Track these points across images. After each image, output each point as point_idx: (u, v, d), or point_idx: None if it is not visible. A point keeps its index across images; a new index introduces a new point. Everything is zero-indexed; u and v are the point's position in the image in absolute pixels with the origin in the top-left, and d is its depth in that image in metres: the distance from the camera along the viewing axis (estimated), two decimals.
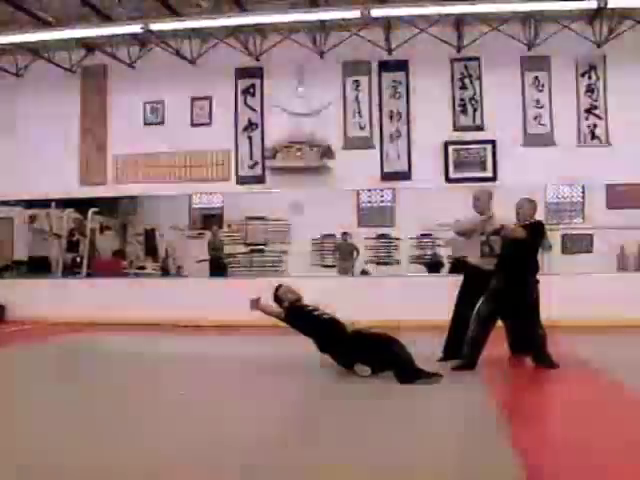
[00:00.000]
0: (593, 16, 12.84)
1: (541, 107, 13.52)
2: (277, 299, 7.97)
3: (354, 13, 12.23)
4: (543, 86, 13.52)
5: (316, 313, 7.74)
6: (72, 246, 16.83)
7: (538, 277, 7.67)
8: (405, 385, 6.60)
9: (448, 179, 13.73)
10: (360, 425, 5.28)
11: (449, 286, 8.49)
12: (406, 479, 4.04)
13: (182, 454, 4.41)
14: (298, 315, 7.70)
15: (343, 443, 4.75)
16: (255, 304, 7.94)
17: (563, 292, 10.64)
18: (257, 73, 14.35)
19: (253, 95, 14.39)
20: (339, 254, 16.72)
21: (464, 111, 13.74)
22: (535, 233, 7.55)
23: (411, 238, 17.68)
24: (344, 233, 16.72)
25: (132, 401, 6.25)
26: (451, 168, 13.73)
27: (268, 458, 4.37)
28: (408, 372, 6.85)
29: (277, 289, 8.02)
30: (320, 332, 7.49)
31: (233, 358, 8.70)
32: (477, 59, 13.67)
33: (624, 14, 12.70)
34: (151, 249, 18.27)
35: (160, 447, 4.64)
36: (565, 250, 16.97)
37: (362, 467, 4.18)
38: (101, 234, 17.55)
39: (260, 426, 5.23)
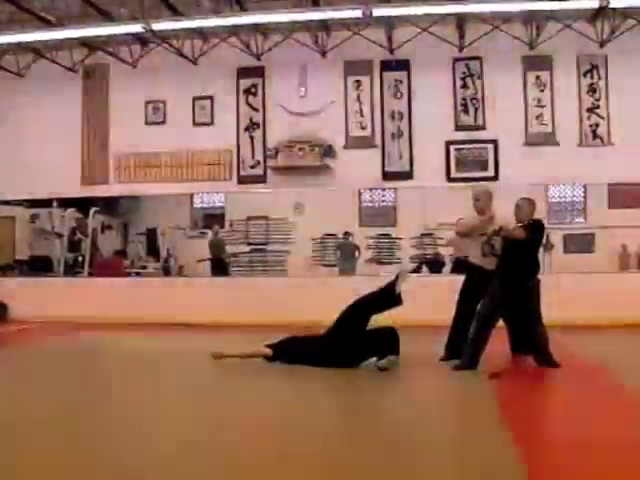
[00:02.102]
0: (595, 15, 12.82)
1: (543, 107, 13.50)
2: None
3: (356, 13, 12.24)
4: (545, 86, 13.51)
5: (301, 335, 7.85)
6: (74, 245, 16.84)
7: (539, 277, 7.67)
8: (401, 379, 6.59)
9: (450, 178, 13.72)
10: (360, 424, 5.28)
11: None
12: (406, 479, 4.04)
13: (180, 454, 4.41)
14: (289, 345, 7.73)
15: (342, 442, 4.74)
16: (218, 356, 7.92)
17: (564, 292, 10.64)
18: (259, 72, 14.35)
19: (255, 95, 14.39)
20: (340, 254, 16.71)
21: (466, 110, 13.73)
22: (535, 233, 7.54)
23: (412, 238, 17.66)
24: (345, 233, 16.71)
25: (131, 401, 6.24)
26: (453, 167, 13.72)
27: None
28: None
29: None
30: (316, 349, 7.57)
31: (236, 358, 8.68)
32: (479, 58, 13.67)
33: (626, 14, 12.68)
34: (152, 249, 18.28)
35: (159, 447, 4.64)
36: (567, 250, 16.97)
37: (362, 467, 4.18)
38: (102, 234, 17.55)
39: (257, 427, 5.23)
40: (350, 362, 7.42)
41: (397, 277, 7.61)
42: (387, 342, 7.40)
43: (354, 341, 7.45)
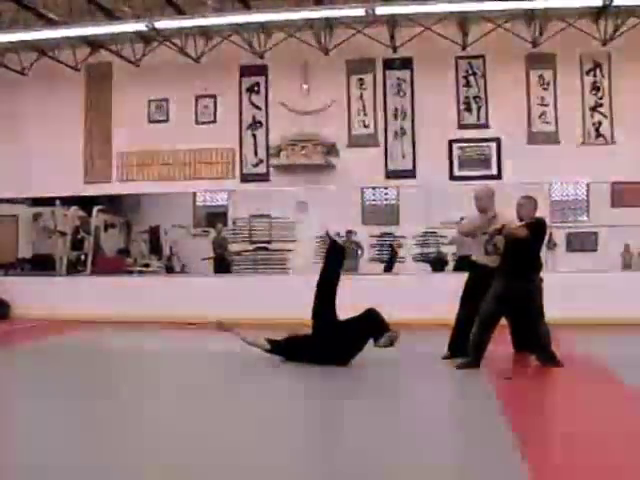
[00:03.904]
0: (598, 13, 12.78)
1: (546, 105, 13.47)
2: None
3: (359, 11, 12.22)
4: (548, 84, 13.47)
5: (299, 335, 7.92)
6: (76, 244, 16.87)
7: (541, 275, 7.67)
8: (403, 378, 6.59)
9: (452, 177, 13.70)
10: (359, 423, 5.28)
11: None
12: (406, 478, 4.04)
13: (180, 454, 4.42)
14: (289, 347, 7.81)
15: (341, 441, 4.75)
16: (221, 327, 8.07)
17: (567, 290, 10.65)
18: (261, 71, 14.32)
19: (257, 93, 14.38)
20: None
21: (469, 109, 13.70)
22: (537, 231, 7.54)
23: (415, 236, 17.69)
24: (348, 231, 16.73)
25: (131, 401, 6.25)
26: (455, 166, 13.69)
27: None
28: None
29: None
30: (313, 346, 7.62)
31: (233, 356, 8.67)
32: (482, 57, 13.62)
33: (630, 12, 12.64)
34: (155, 247, 18.32)
35: (159, 447, 4.65)
36: (569, 248, 16.98)
37: (361, 466, 4.18)
38: (105, 232, 17.59)
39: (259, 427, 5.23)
40: (345, 355, 7.51)
41: (328, 235, 8.06)
42: (372, 323, 7.51)
43: (341, 332, 7.54)
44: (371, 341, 7.62)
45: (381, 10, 12.20)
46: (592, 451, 4.41)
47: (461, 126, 13.73)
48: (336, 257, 8.05)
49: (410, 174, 13.84)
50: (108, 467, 4.16)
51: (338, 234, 8.29)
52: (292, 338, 7.89)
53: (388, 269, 16.71)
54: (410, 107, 13.87)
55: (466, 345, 7.53)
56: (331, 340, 7.53)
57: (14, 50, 14.46)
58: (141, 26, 12.60)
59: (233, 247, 17.69)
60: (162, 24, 12.62)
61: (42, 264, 16.02)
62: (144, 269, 17.00)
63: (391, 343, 7.49)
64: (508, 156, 13.43)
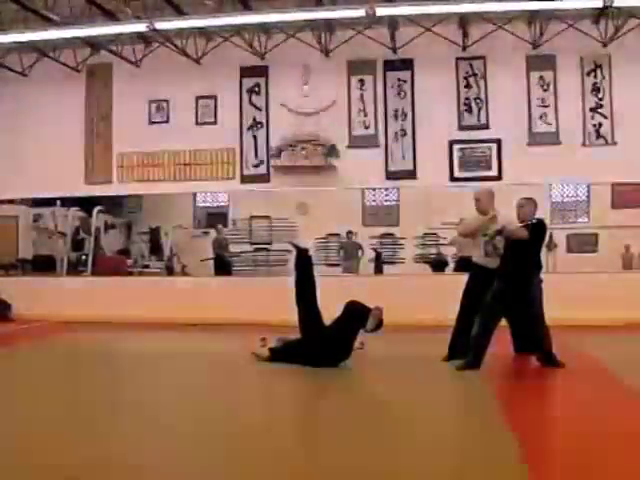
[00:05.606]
0: (599, 15, 12.80)
1: (546, 106, 13.47)
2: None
3: (359, 12, 12.21)
4: (548, 85, 13.48)
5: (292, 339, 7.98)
6: (77, 245, 16.89)
7: (542, 276, 7.67)
8: (403, 378, 6.60)
9: (453, 178, 13.71)
10: (360, 423, 5.28)
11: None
12: (406, 478, 4.04)
13: (179, 454, 4.42)
14: (283, 353, 7.88)
15: (341, 441, 4.74)
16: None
17: (567, 291, 10.64)
18: (262, 72, 14.33)
19: (258, 94, 14.39)
20: (344, 253, 16.74)
21: (469, 110, 13.70)
22: (537, 232, 7.55)
23: (416, 237, 17.70)
24: (349, 232, 16.74)
25: (131, 400, 6.24)
26: (456, 167, 13.69)
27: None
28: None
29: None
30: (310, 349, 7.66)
31: (235, 356, 8.68)
32: (482, 58, 13.63)
33: (630, 13, 12.65)
34: (156, 248, 18.33)
35: (158, 446, 4.65)
36: (570, 249, 17.00)
37: (361, 466, 4.18)
38: (106, 233, 17.60)
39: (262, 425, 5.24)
40: (339, 357, 7.54)
41: (294, 245, 8.50)
42: (355, 316, 7.56)
43: (329, 336, 7.59)
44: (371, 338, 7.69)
45: (382, 11, 12.20)
46: (592, 451, 4.41)
47: (461, 127, 13.74)
48: (303, 262, 8.20)
49: (410, 175, 13.85)
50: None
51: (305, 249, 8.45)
52: (289, 342, 7.96)
53: (378, 271, 16.79)
54: (410, 108, 13.88)
55: (466, 346, 7.53)
56: (322, 345, 7.56)
57: (15, 51, 14.48)
58: (141, 27, 12.60)
59: (233, 248, 17.69)
60: (162, 25, 12.61)
61: (43, 265, 16.03)
62: (144, 270, 17.00)
63: (379, 324, 7.49)
64: (508, 157, 13.44)
